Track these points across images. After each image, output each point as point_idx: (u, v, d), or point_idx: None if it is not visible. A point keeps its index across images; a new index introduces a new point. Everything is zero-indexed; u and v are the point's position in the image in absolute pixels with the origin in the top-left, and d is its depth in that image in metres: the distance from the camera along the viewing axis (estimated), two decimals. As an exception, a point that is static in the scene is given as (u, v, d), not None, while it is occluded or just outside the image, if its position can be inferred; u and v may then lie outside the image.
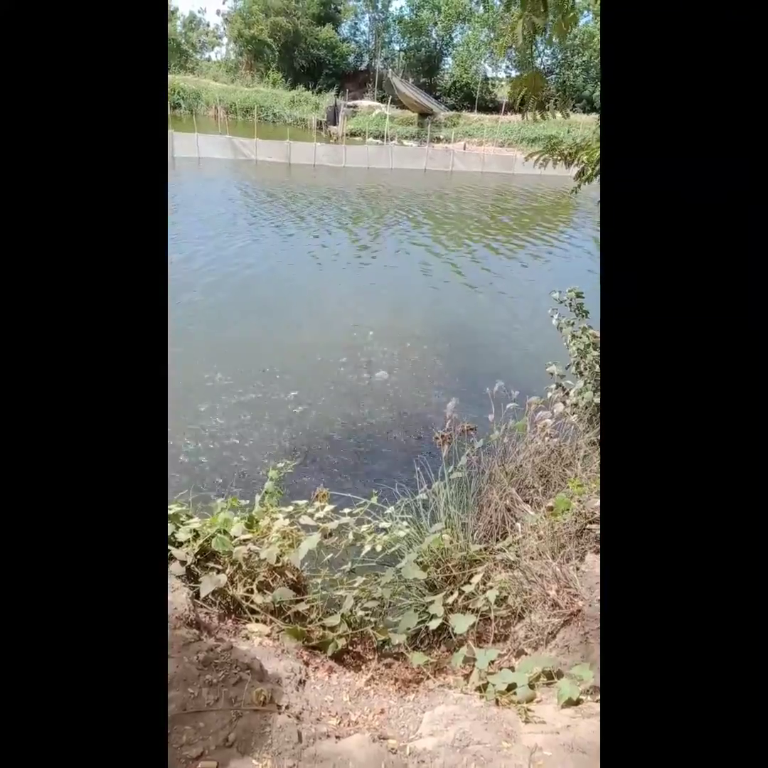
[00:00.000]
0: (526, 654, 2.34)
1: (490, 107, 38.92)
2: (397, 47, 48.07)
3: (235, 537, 2.50)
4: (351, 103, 38.92)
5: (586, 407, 3.55)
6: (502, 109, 36.91)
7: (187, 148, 22.13)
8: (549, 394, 3.91)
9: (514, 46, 2.82)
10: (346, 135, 34.09)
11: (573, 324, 3.88)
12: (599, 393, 3.51)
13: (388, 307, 9.61)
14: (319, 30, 44.39)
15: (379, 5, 46.68)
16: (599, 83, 3.79)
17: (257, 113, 34.38)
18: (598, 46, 3.80)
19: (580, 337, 3.67)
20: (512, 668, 2.19)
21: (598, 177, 3.93)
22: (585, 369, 3.65)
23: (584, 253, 14.53)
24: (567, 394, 3.80)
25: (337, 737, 1.61)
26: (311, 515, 2.94)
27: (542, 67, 42.88)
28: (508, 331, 8.92)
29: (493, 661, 2.25)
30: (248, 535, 2.58)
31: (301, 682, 1.90)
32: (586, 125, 28.71)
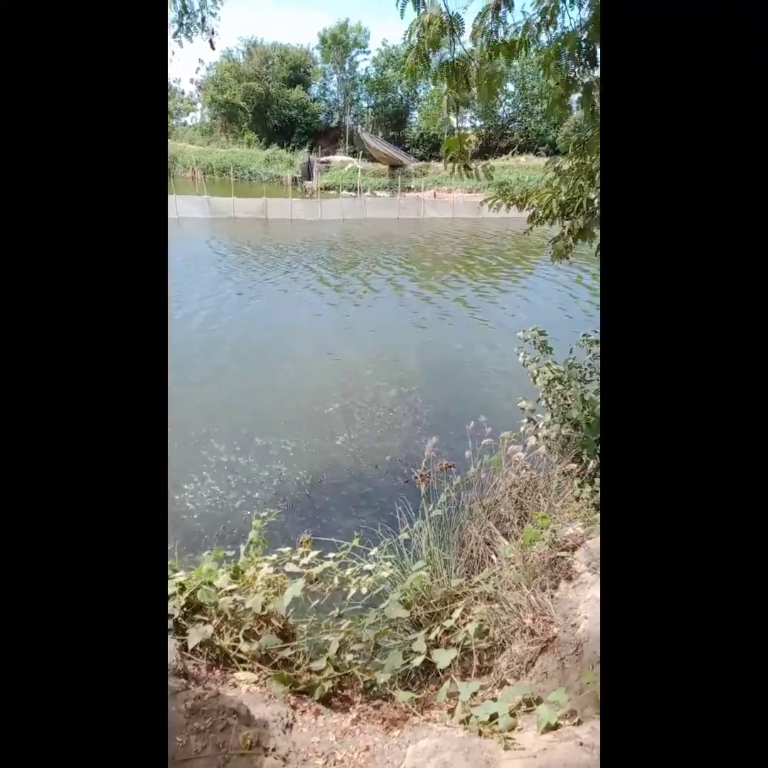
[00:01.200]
0: (508, 684, 2.40)
1: (468, 140, 40.65)
2: (365, 104, 50.40)
3: (220, 588, 2.56)
4: (324, 158, 40.43)
5: (556, 439, 3.71)
6: (468, 157, 38.60)
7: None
8: (522, 428, 4.07)
9: (441, 117, 3.14)
10: (321, 189, 35.26)
11: (538, 360, 4.09)
12: (565, 425, 3.68)
13: (375, 349, 9.86)
14: (290, 92, 46.50)
15: (346, 66, 49.17)
16: (559, 128, 4.14)
17: (233, 172, 35.50)
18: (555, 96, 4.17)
19: (545, 373, 3.86)
20: (495, 699, 2.26)
21: (549, 219, 4.23)
22: (552, 402, 3.83)
23: (555, 287, 15.03)
24: (538, 427, 3.96)
25: (323, 776, 1.67)
26: (296, 562, 3.01)
27: (504, 115, 45.19)
28: (487, 368, 9.15)
29: (475, 693, 2.31)
30: (234, 586, 2.64)
31: (288, 726, 1.95)
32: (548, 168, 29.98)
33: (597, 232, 4.03)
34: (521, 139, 43.00)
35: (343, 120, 49.35)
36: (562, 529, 2.92)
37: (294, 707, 2.13)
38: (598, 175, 4.13)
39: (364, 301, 13.40)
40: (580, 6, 3.41)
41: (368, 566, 3.16)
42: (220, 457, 6.12)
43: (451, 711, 2.27)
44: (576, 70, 3.51)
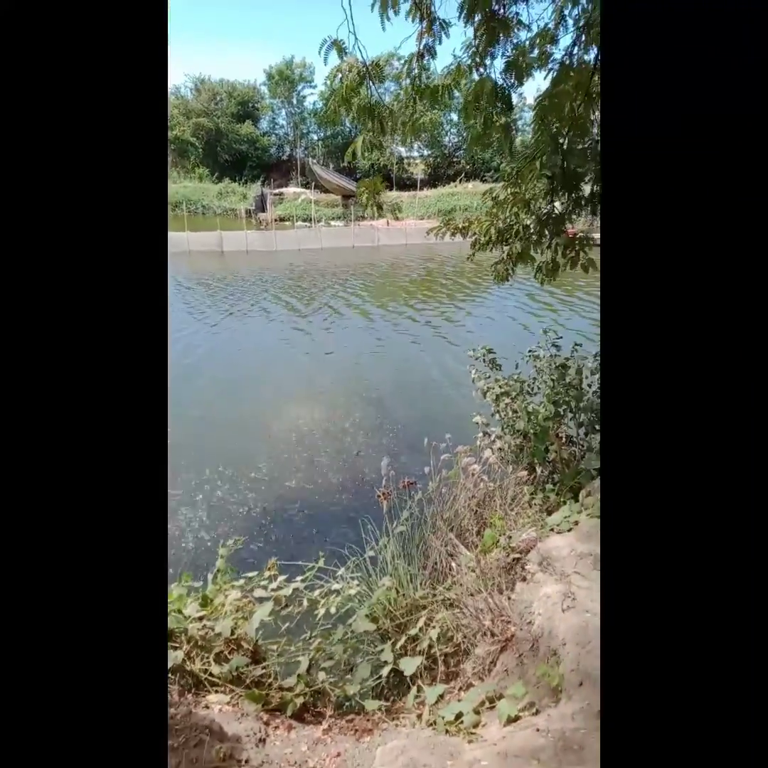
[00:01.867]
0: (473, 685, 2.52)
1: (408, 184, 41.78)
2: (315, 137, 51.42)
3: (189, 616, 2.61)
4: (277, 191, 40.88)
5: (508, 449, 3.91)
6: (418, 186, 39.81)
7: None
8: (477, 442, 4.25)
9: (356, 158, 3.39)
10: (276, 220, 35.59)
11: (489, 377, 4.31)
12: (516, 436, 3.89)
13: (336, 373, 10.02)
14: (239, 126, 47.07)
15: (294, 101, 50.21)
16: (507, 156, 4.44)
17: (186, 207, 35.48)
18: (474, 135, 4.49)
19: (493, 388, 4.08)
20: (460, 700, 2.37)
21: (489, 245, 4.49)
22: (502, 415, 4.05)
23: (510, 306, 15.56)
24: (492, 439, 4.15)
25: (296, 781, 1.75)
26: (264, 587, 3.06)
27: (450, 144, 46.81)
28: (447, 386, 9.38)
29: (442, 696, 2.43)
30: (203, 613, 2.68)
31: (261, 740, 2.02)
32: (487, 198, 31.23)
33: (534, 255, 4.32)
34: (468, 166, 44.54)
35: (294, 153, 50.16)
36: (517, 534, 3.10)
37: (266, 723, 2.19)
38: (531, 203, 4.45)
39: (334, 326, 13.70)
40: (503, 54, 3.74)
41: (336, 586, 3.24)
42: (189, 485, 6.11)
43: (419, 716, 2.37)
44: (493, 111, 3.82)
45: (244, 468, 6.53)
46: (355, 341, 12.49)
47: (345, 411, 8.20)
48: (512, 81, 3.81)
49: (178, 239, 24.35)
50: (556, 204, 4.50)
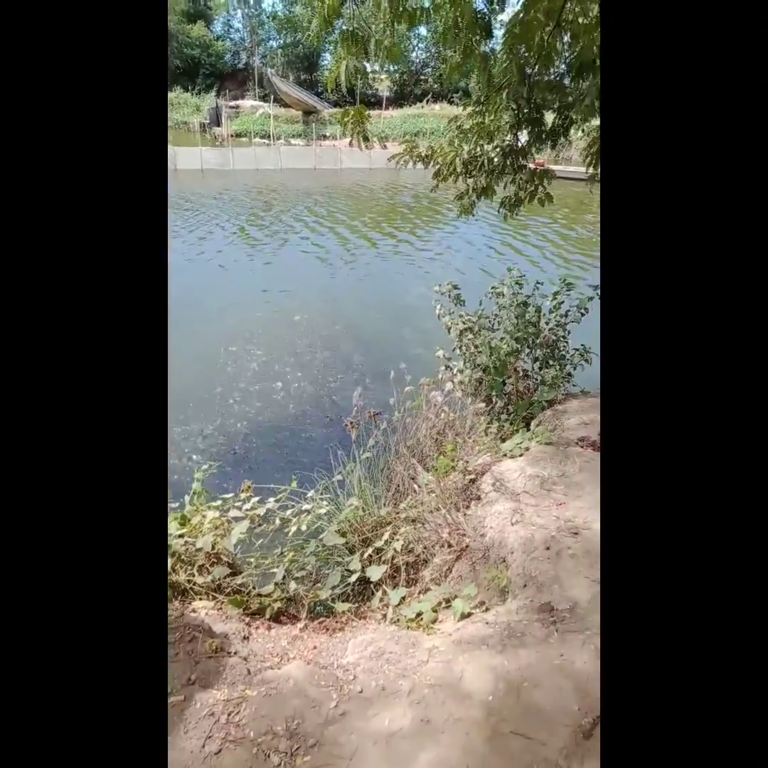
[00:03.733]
0: (430, 589, 2.86)
1: (372, 102, 39.65)
2: (274, 44, 47.66)
3: (171, 534, 2.81)
4: (233, 103, 38.19)
5: (469, 383, 4.15)
6: (383, 105, 37.87)
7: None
8: (439, 376, 4.47)
9: (339, 83, 3.31)
10: (232, 136, 33.52)
11: (452, 312, 4.47)
12: (476, 370, 4.12)
13: (299, 303, 9.98)
14: (190, 28, 43.04)
15: (251, 1, 46.05)
16: (483, 87, 4.35)
17: (134, 118, 32.90)
18: (452, 64, 4.39)
19: (457, 324, 4.26)
20: (420, 601, 2.69)
21: (453, 177, 4.50)
22: (464, 350, 4.25)
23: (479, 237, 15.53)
24: (453, 373, 4.37)
25: (279, 667, 2.03)
26: (239, 508, 3.28)
27: (418, 60, 44.30)
28: (414, 320, 9.51)
29: (404, 599, 2.74)
30: (182, 531, 2.89)
31: (245, 638, 2.29)
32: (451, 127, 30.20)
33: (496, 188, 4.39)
34: (435, 86, 42.50)
35: (251, 61, 46.50)
36: (473, 459, 3.38)
37: (248, 625, 2.46)
38: (496, 134, 4.44)
39: (296, 250, 13.45)
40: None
41: (307, 506, 3.48)
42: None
43: (384, 615, 2.69)
44: (473, 39, 3.75)
45: (214, 400, 6.63)
46: (319, 268, 12.35)
47: (311, 343, 8.29)
48: (493, 6, 3.71)
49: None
50: (520, 136, 4.52)
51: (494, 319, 4.37)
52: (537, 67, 4.11)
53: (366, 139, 3.97)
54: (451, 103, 39.17)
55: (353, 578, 2.82)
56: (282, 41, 46.02)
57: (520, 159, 4.44)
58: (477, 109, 4.46)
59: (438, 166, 4.49)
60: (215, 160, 24.79)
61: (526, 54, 4.05)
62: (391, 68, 40.33)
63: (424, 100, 40.23)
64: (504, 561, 2.54)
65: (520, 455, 3.26)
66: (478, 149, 4.39)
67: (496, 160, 4.37)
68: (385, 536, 2.98)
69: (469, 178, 4.45)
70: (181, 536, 2.79)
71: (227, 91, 41.32)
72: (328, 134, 34.48)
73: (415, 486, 3.43)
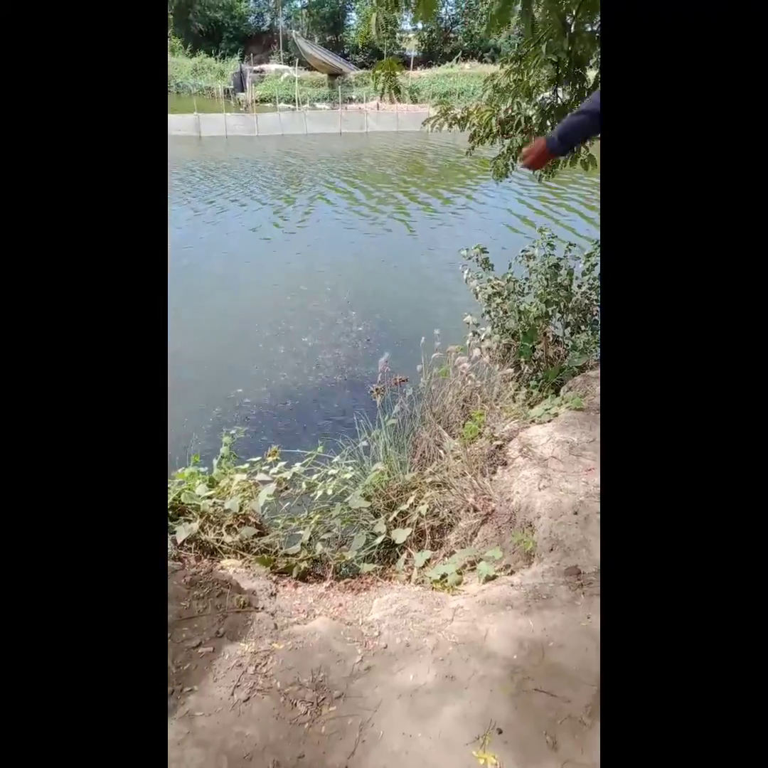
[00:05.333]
0: (455, 552, 2.86)
1: (399, 62, 38.42)
2: (298, 4, 46.45)
3: (199, 495, 2.87)
4: (257, 67, 37.47)
5: (497, 348, 4.07)
6: (411, 65, 36.64)
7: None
8: (467, 342, 4.40)
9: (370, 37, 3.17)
10: (256, 102, 33.01)
11: (480, 277, 4.37)
12: (504, 335, 4.04)
13: (329, 271, 9.94)
14: (213, -10, 42.23)
15: (274, -41, 44.78)
16: (527, 37, 4.14)
17: (159, 85, 32.63)
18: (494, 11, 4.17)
19: (486, 288, 4.16)
20: (445, 564, 2.71)
21: (489, 138, 4.34)
22: (492, 315, 4.16)
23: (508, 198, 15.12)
24: (481, 339, 4.30)
25: (305, 623, 2.06)
26: (266, 472, 3.32)
27: (447, 16, 42.63)
28: (444, 285, 9.37)
29: (428, 561, 2.76)
30: (211, 493, 2.95)
31: (273, 594, 2.33)
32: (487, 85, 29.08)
33: None
34: (466, 44, 40.92)
35: (275, 23, 45.41)
36: (500, 425, 3.34)
37: (275, 582, 2.51)
38: (534, 91, 4.25)
39: (323, 217, 13.37)
40: None
41: (332, 471, 3.52)
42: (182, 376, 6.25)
43: (408, 577, 2.71)
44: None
45: (241, 366, 6.69)
46: (350, 235, 12.22)
47: (340, 308, 8.26)
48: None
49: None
50: (560, 93, 4.31)
51: (524, 282, 4.26)
52: (579, 16, 3.88)
53: (397, 91, 3.83)
54: (482, 61, 37.74)
55: (378, 540, 2.85)
56: (307, 1, 44.77)
57: (560, 117, 4.24)
58: (514, 66, 4.25)
59: (473, 128, 4.33)
60: (240, 126, 24.53)
61: (568, 1, 3.82)
62: (420, 26, 38.93)
63: (454, 60, 38.79)
64: (530, 525, 2.52)
65: (549, 421, 3.20)
66: (516, 107, 4.20)
67: (534, 118, 4.17)
68: (411, 500, 2.99)
69: (506, 138, 4.28)
70: (209, 497, 2.85)
71: (251, 55, 40.56)
72: (353, 97, 33.67)
73: (441, 452, 3.42)
